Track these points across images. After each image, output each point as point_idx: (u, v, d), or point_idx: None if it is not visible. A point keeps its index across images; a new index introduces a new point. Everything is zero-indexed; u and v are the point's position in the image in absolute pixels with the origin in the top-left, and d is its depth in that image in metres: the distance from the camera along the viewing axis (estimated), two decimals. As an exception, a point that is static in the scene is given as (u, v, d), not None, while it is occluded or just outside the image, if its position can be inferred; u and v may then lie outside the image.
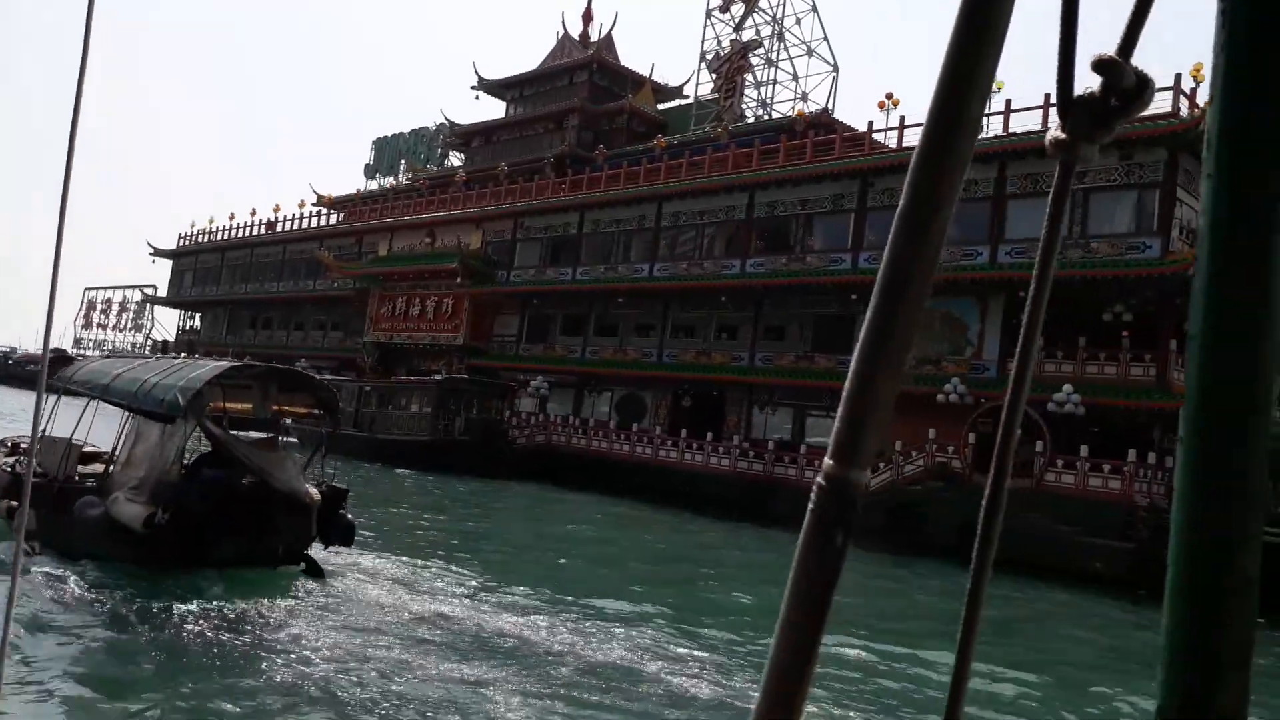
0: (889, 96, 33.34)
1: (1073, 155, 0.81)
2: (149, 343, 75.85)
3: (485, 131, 57.50)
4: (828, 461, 0.72)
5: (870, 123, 33.82)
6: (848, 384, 0.73)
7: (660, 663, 10.73)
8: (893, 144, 33.30)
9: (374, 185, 66.15)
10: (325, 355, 56.41)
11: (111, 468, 13.04)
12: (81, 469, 13.69)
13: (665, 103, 53.06)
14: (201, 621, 10.25)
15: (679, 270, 39.09)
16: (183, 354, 67.55)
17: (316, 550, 13.34)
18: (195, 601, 10.89)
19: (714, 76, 47.10)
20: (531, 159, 51.11)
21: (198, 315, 72.81)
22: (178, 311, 74.64)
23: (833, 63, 46.21)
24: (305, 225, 63.59)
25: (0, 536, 12.65)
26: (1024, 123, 30.26)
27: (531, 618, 12.22)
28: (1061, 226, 0.84)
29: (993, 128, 30.70)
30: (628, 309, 41.51)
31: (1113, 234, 27.75)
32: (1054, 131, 0.80)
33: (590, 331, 43.27)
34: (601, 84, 53.30)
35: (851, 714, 9.72)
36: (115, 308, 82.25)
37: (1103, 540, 24.54)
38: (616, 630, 12.18)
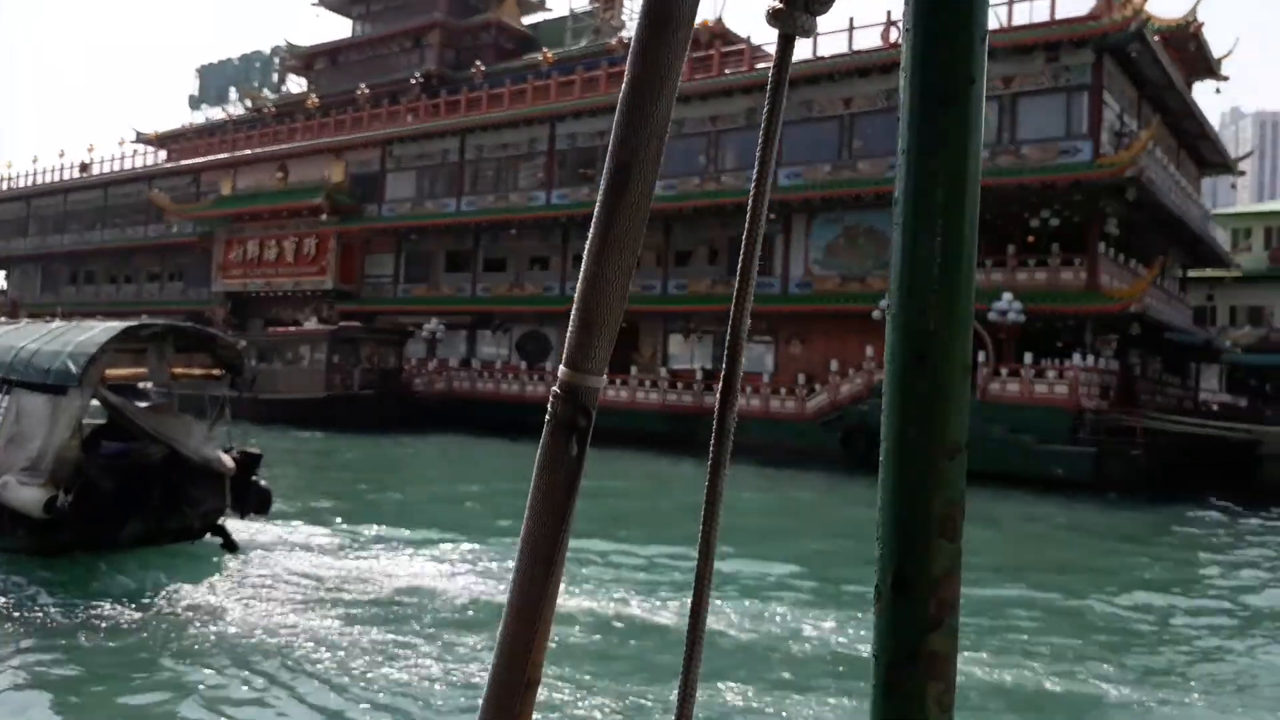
0: (798, 3, 31.92)
1: (790, 25, 0.78)
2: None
3: (331, 53, 52.71)
4: (562, 369, 0.72)
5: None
6: (579, 286, 0.73)
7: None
8: (806, 54, 31.96)
9: (201, 118, 59.97)
10: (166, 309, 50.95)
11: None
12: None
13: (530, 15, 49.90)
14: (118, 609, 9.28)
15: (580, 196, 36.90)
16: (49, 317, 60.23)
17: (231, 522, 12.37)
18: (107, 588, 10.02)
19: (587, -12, 44.37)
20: (391, 81, 47.15)
21: (1, 273, 64.77)
22: (-23, 269, 66.17)
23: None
24: (129, 166, 57.03)
25: None
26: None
27: (462, 571, 11.55)
28: (781, 105, 0.80)
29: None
30: (522, 240, 39.09)
31: (1042, 139, 27.53)
32: (773, 1, 0.78)
33: (479, 267, 40.63)
34: (458, -3, 49.51)
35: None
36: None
37: (1059, 446, 24.71)
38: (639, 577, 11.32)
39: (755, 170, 0.79)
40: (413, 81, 45.36)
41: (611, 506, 17.81)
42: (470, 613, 9.73)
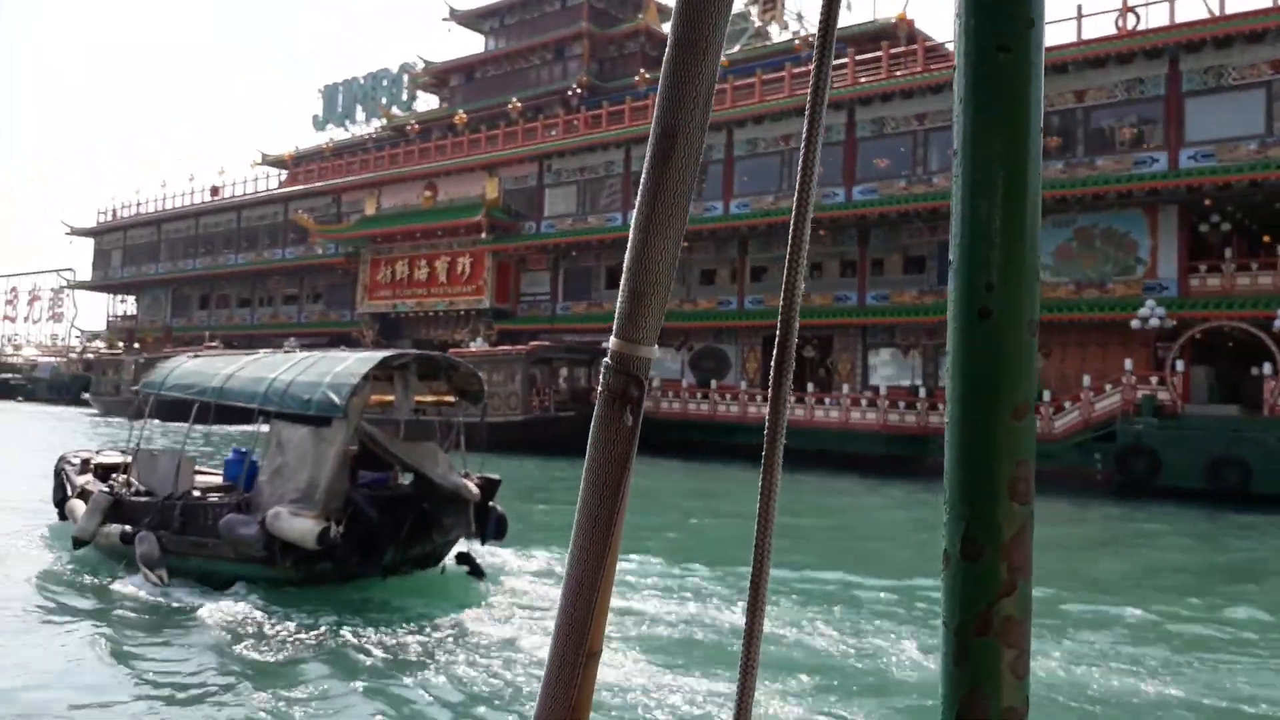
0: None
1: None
2: (75, 331, 67.69)
3: (466, 68, 51.63)
4: (612, 340, 0.73)
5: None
6: (627, 256, 0.71)
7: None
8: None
9: (325, 138, 59.45)
10: (308, 332, 50.40)
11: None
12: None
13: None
14: (391, 634, 9.43)
15: (764, 204, 35.01)
16: (120, 342, 60.50)
17: (473, 547, 12.33)
18: (375, 616, 10.15)
19: (744, -13, 42.52)
20: (536, 95, 45.80)
21: (131, 298, 65.00)
22: (107, 296, 66.53)
23: (871, -34, 42.18)
24: (261, 188, 56.63)
25: (99, 569, 11.77)
26: (1194, 10, 27.08)
27: (691, 597, 11.28)
28: (828, 73, 0.80)
29: (1157, 18, 27.48)
30: (694, 253, 37.32)
31: (1329, 127, 24.91)
32: None
33: (746, 278, 38.67)
34: (598, 5, 48.04)
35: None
36: (25, 296, 73.15)
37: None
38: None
39: (797, 190, 0.77)
40: (571, 92, 43.91)
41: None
42: (708, 638, 9.55)
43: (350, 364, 11.71)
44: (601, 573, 0.73)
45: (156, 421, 27.89)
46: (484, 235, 41.51)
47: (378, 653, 8.90)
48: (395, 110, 55.32)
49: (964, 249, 0.75)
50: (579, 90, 43.58)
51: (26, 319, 72.69)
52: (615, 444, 0.71)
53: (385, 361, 12.25)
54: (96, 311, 67.17)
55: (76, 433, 36.53)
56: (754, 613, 0.79)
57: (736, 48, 42.76)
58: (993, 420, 0.72)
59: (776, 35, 41.37)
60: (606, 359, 0.72)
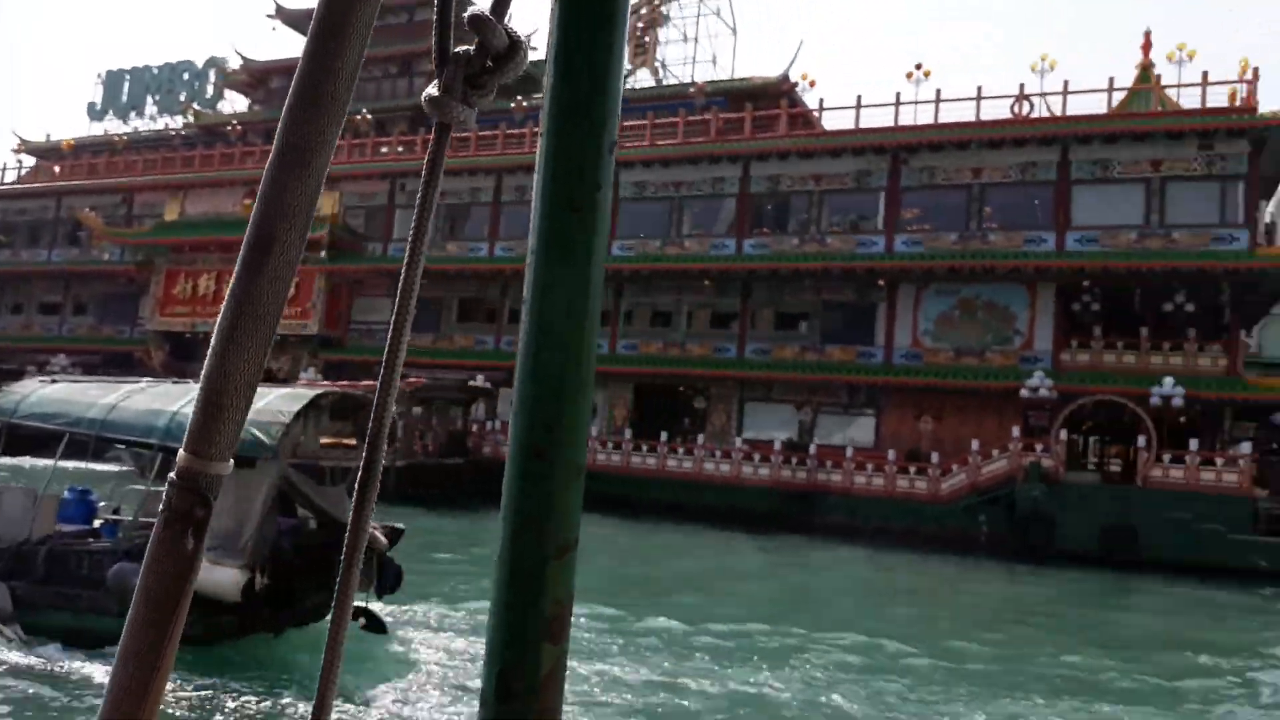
0: (918, 67, 30.99)
1: (447, 114, 0.79)
2: None
3: (292, 70, 47.06)
4: (181, 454, 0.69)
5: (898, 94, 31.19)
6: (206, 364, 0.68)
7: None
8: (925, 119, 30.90)
9: (100, 129, 52.49)
10: (78, 348, 43.68)
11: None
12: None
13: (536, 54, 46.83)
14: (294, 699, 8.84)
15: (648, 249, 34.13)
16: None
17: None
18: (276, 676, 9.59)
19: (615, 30, 41.79)
20: (381, 109, 42.72)
21: None
22: None
23: (733, 25, 43.05)
24: (21, 178, 48.90)
25: None
26: (1087, 105, 29.29)
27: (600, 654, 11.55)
28: (436, 190, 0.81)
29: (1051, 108, 29.47)
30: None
31: (1195, 224, 27.45)
32: (430, 89, 0.78)
33: (504, 319, 36.87)
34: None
35: None
36: None
37: (1256, 537, 24.17)
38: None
39: (409, 245, 0.77)
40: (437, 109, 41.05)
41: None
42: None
43: (273, 400, 11.07)
44: (147, 696, 0.63)
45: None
46: (322, 254, 37.75)
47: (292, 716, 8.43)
48: (197, 107, 49.77)
49: (526, 391, 0.77)
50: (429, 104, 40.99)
51: None
52: (172, 566, 0.65)
53: (315, 400, 11.54)
54: None
55: None
56: (337, 627, 0.74)
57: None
58: (539, 560, 0.74)
59: (646, 80, 40.99)
60: (173, 474, 0.66)
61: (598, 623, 13.21)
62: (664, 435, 31.27)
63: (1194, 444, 25.85)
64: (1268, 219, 29.36)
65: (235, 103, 50.75)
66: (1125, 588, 22.18)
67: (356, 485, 0.74)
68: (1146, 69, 31.55)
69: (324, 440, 14.49)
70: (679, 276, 33.42)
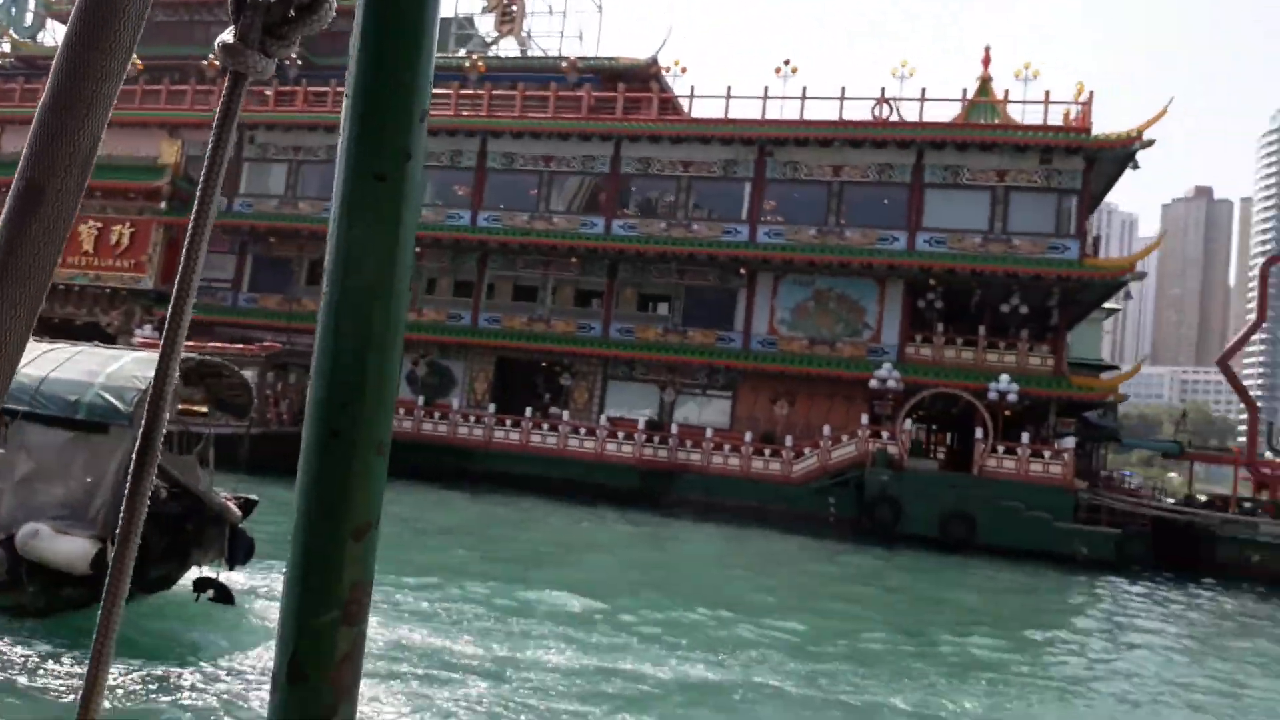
0: (786, 62, 31.90)
1: (241, 63, 0.75)
2: None
3: None
4: None
5: (766, 88, 31.99)
6: None
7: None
8: (791, 114, 31.88)
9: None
10: None
11: None
12: None
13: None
14: (146, 671, 8.63)
15: (515, 222, 33.80)
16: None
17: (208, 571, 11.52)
18: (126, 648, 9.03)
19: (485, -7, 40.94)
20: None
21: None
22: None
23: (599, 3, 42.95)
24: None
25: None
26: (942, 112, 30.95)
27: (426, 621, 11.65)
28: (228, 145, 0.76)
29: (909, 114, 31.00)
30: (427, 259, 34.99)
31: (1032, 233, 29.57)
32: (225, 36, 0.75)
33: None
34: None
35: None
36: None
37: (1079, 526, 26.43)
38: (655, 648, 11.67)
39: (197, 199, 0.75)
40: (283, 62, 39.03)
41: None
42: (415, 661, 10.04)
43: (127, 364, 10.69)
44: None
45: None
46: (161, 205, 35.48)
47: (139, 690, 8.20)
48: (16, 36, 45.53)
49: (323, 367, 0.76)
50: (295, 61, 39.07)
51: None
52: None
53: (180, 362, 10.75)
54: None
55: None
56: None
57: (463, 51, 41.09)
58: (335, 541, 0.74)
59: (513, 49, 40.38)
60: None
61: (451, 596, 13.26)
62: (528, 411, 31.23)
63: (1025, 437, 28.02)
64: (1093, 231, 31.93)
65: (58, 33, 46.68)
66: (961, 568, 23.86)
67: (134, 454, 0.74)
68: (986, 82, 33.71)
69: (182, 406, 13.29)
70: (547, 252, 33.31)
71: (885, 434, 28.69)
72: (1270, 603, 22.88)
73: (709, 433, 30.10)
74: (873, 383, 29.15)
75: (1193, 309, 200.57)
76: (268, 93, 36.80)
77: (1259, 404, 35.26)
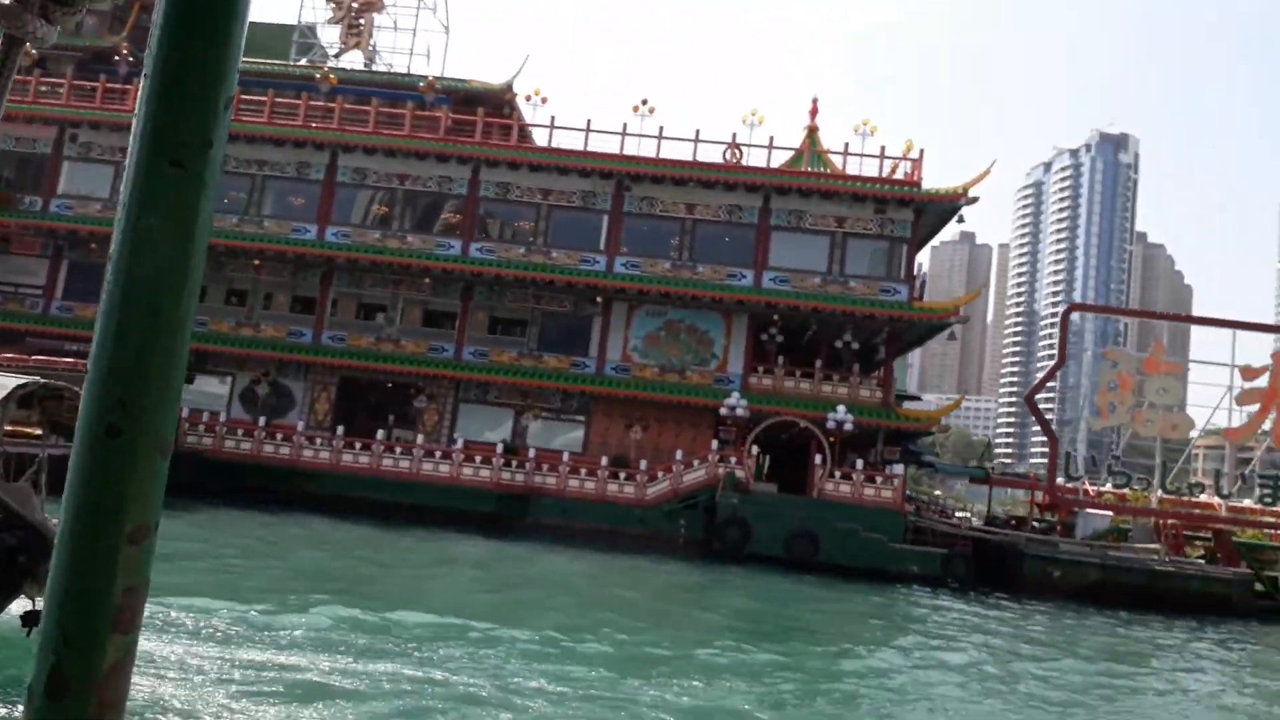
0: (644, 102, 33.09)
1: (19, 26, 0.80)
2: None
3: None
4: None
5: (625, 124, 33.05)
6: None
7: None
8: (648, 151, 33.07)
9: None
10: None
11: None
12: None
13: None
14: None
15: (364, 239, 33.15)
16: None
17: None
18: None
19: (330, 4, 39.93)
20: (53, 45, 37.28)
21: None
22: None
23: (446, 25, 42.83)
24: None
25: None
26: (787, 159, 32.95)
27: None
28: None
29: (757, 160, 32.87)
30: (261, 274, 33.72)
31: (867, 275, 32.04)
32: None
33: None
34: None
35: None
36: None
37: (909, 546, 28.78)
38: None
39: None
40: (117, 56, 36.50)
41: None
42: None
43: None
44: None
45: None
46: (-38, 201, 32.42)
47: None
48: None
49: (102, 361, 0.76)
50: (126, 57, 36.62)
51: None
52: None
53: (15, 391, 10.39)
54: None
55: None
56: None
57: (304, 60, 39.96)
58: (109, 544, 0.70)
59: (358, 63, 39.54)
60: None
61: (287, 617, 13.28)
62: (380, 434, 30.69)
63: (860, 464, 30.25)
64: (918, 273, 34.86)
65: None
66: (807, 584, 25.47)
67: None
68: (812, 132, 36.32)
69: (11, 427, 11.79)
70: (400, 271, 32.89)
71: (734, 459, 30.19)
72: (1062, 617, 25.74)
73: (565, 456, 30.62)
74: (723, 410, 30.63)
75: (955, 343, 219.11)
76: (94, 89, 34.42)
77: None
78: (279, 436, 30.50)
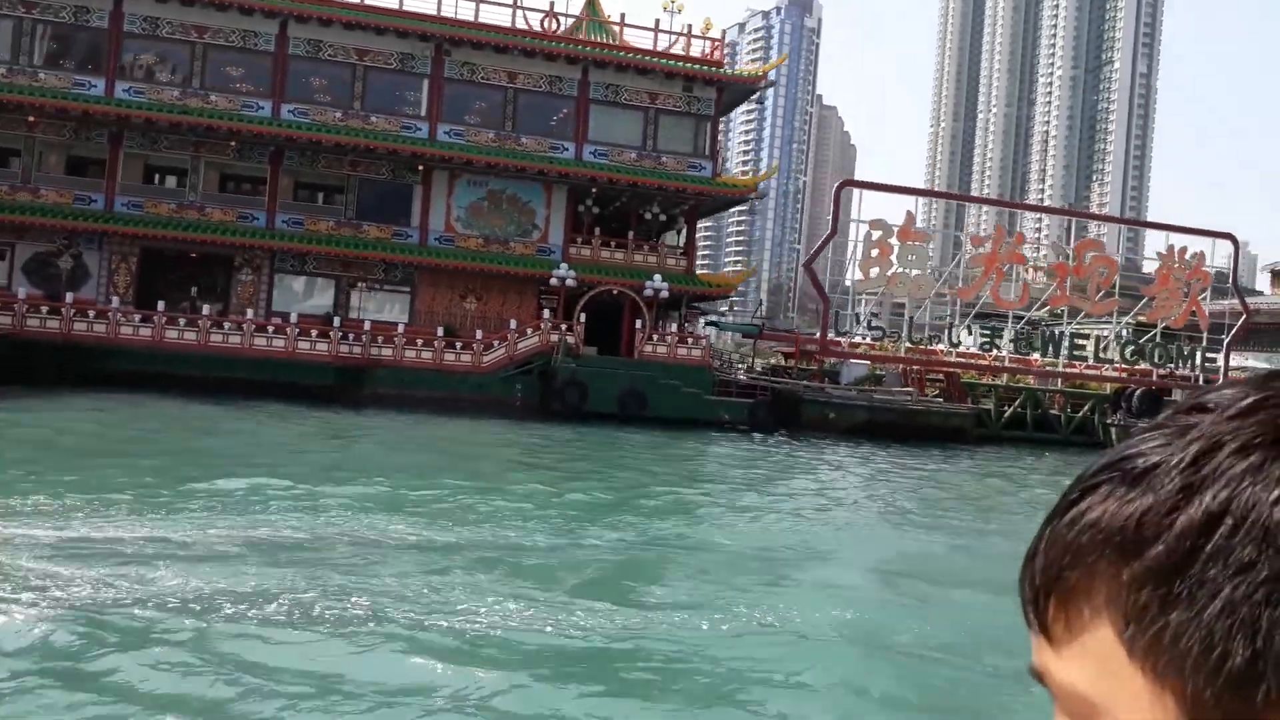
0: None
1: None
2: None
3: None
4: None
5: (445, -14, 32.39)
6: None
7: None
8: (466, 14, 32.78)
9: None
10: None
11: None
12: None
13: None
14: None
15: (163, 98, 30.63)
16: None
17: None
18: None
19: None
20: None
21: None
22: None
23: None
24: None
25: None
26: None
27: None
28: None
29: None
30: (35, 130, 30.41)
31: (676, 151, 34.36)
32: None
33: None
34: None
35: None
36: None
37: (722, 397, 32.48)
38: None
39: None
40: None
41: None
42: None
43: None
44: None
45: None
46: None
47: None
48: None
49: None
50: None
51: None
52: None
53: None
54: None
55: None
56: None
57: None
58: None
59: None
60: None
61: (133, 500, 12.65)
62: (205, 308, 29.50)
63: (674, 327, 33.34)
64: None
65: None
66: (636, 434, 28.41)
67: None
68: (592, 2, 37.51)
69: None
70: (203, 133, 30.88)
71: (565, 326, 32.17)
72: (828, 448, 30.45)
73: (400, 328, 31.13)
74: (553, 280, 32.30)
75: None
76: None
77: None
78: (92, 314, 28.46)
